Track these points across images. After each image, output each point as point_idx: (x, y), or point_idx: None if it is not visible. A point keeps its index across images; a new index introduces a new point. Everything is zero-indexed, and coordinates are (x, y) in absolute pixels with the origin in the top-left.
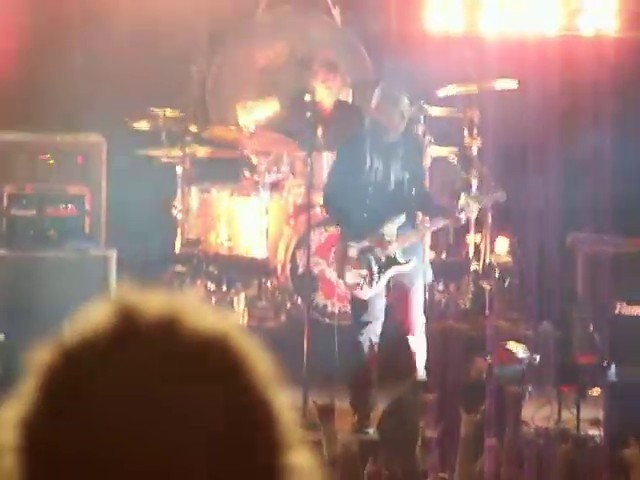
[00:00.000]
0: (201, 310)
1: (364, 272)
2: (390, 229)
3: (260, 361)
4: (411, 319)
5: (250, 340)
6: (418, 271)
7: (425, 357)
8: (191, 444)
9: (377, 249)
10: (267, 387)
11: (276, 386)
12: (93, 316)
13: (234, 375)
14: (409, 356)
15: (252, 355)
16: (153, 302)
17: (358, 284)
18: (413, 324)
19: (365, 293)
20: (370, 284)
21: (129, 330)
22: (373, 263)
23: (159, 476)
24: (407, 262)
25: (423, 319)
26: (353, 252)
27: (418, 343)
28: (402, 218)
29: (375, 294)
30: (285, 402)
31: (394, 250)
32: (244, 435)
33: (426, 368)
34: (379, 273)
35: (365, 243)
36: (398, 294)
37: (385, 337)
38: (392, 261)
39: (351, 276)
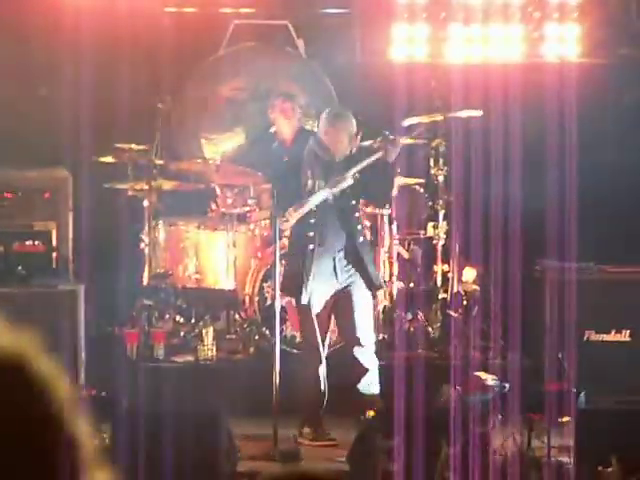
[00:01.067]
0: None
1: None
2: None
3: (57, 384)
4: (358, 330)
5: (48, 364)
6: (359, 285)
7: (376, 373)
8: None
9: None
10: (63, 410)
11: (73, 409)
12: None
13: (29, 398)
14: (355, 367)
15: (48, 378)
16: None
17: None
18: (360, 335)
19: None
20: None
21: None
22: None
23: None
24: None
25: (372, 335)
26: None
27: (367, 355)
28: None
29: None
30: (82, 426)
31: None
32: (40, 460)
33: (385, 396)
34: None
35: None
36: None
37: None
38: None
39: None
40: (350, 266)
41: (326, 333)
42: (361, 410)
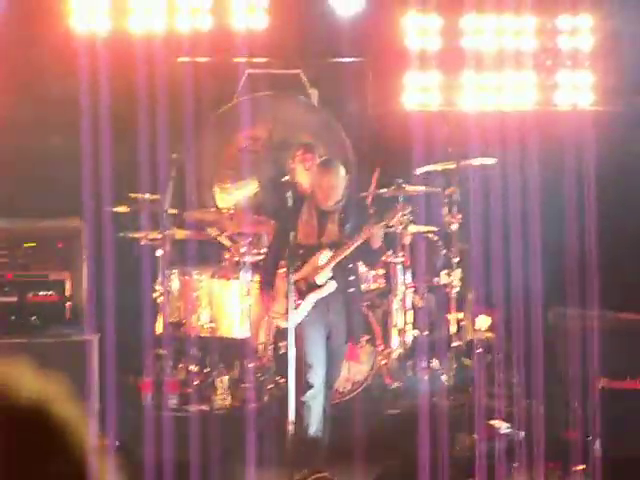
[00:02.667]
0: (23, 379)
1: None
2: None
3: (79, 429)
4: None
5: (71, 409)
6: (338, 295)
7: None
8: None
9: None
10: (86, 455)
11: (95, 454)
12: None
13: (51, 444)
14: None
15: (71, 424)
16: None
17: (280, 314)
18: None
19: (283, 322)
20: (290, 314)
21: None
22: (295, 293)
23: None
24: (322, 285)
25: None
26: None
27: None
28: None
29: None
30: (106, 469)
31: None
32: None
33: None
34: (299, 300)
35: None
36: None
37: None
38: (314, 285)
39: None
40: (338, 313)
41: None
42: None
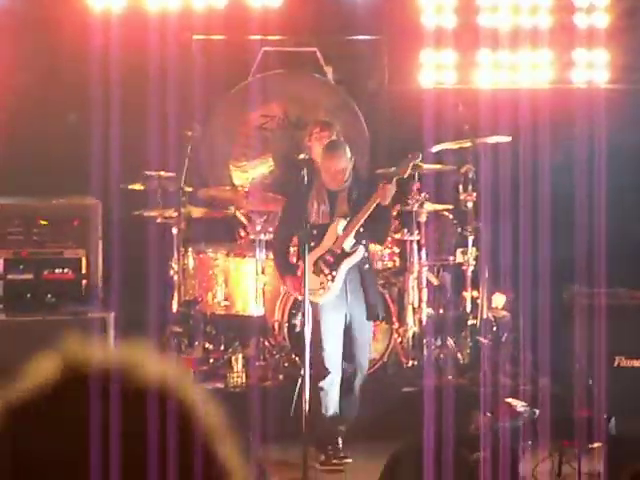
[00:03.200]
0: (148, 363)
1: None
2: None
3: (206, 413)
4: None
5: (197, 392)
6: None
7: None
8: None
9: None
10: (213, 439)
11: (223, 437)
12: (40, 372)
13: (180, 427)
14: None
15: (198, 407)
16: (100, 356)
17: (316, 290)
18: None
19: (324, 296)
20: (326, 287)
21: (74, 384)
22: (323, 266)
23: None
24: (353, 251)
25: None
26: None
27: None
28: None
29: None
30: (232, 453)
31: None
32: None
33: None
34: (332, 272)
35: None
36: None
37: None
38: (343, 254)
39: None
40: (356, 291)
41: (335, 353)
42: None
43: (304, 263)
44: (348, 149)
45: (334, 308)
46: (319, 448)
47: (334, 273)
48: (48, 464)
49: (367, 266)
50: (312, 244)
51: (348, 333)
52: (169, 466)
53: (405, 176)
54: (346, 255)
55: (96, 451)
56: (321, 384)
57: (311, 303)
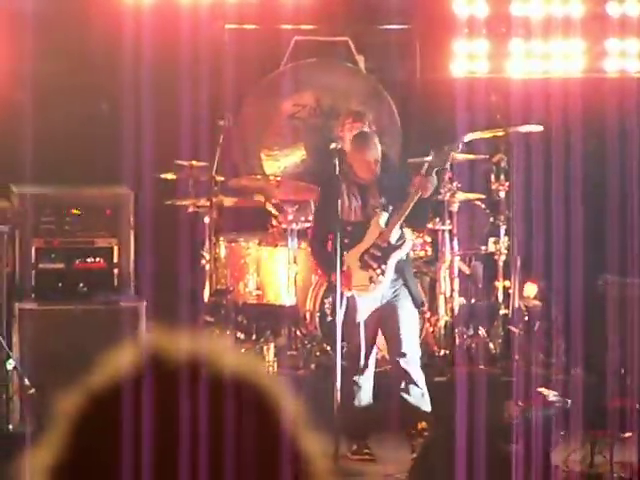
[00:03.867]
0: (227, 354)
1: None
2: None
3: (287, 404)
4: (404, 345)
5: (277, 384)
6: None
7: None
8: None
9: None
10: (295, 430)
11: (303, 429)
12: (121, 361)
13: (261, 418)
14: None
15: (279, 398)
16: (180, 346)
17: (366, 285)
18: (406, 350)
19: (374, 291)
20: (377, 281)
21: (156, 373)
22: (371, 261)
23: None
24: (401, 244)
25: (418, 350)
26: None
27: (414, 369)
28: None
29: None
30: (313, 444)
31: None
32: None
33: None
34: (381, 266)
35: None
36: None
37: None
38: (390, 248)
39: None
40: (396, 281)
41: (372, 346)
42: (412, 423)
43: (339, 259)
44: (377, 140)
45: (374, 301)
46: (351, 438)
47: (383, 267)
48: (134, 450)
49: (408, 256)
50: (346, 241)
51: (395, 324)
52: (256, 455)
53: (446, 167)
54: (394, 248)
55: (182, 438)
56: (356, 378)
57: (351, 297)
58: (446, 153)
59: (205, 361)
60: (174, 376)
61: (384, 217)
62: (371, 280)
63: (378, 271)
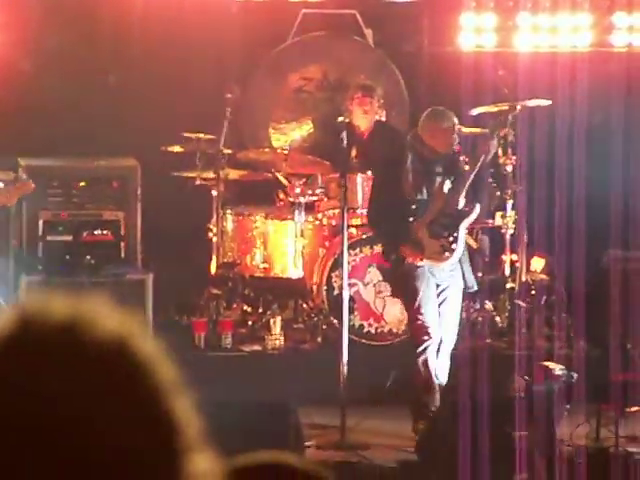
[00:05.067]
0: (105, 316)
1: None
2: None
3: (161, 367)
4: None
5: (153, 346)
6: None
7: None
8: (89, 453)
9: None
10: (168, 393)
11: (178, 392)
12: None
13: (134, 383)
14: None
15: (153, 361)
16: (56, 308)
17: (440, 254)
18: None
19: (449, 259)
20: (450, 249)
21: (29, 336)
22: (440, 229)
23: None
24: (470, 210)
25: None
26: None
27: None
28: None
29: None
30: (187, 407)
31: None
32: (144, 443)
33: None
34: (452, 233)
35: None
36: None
37: None
38: (459, 214)
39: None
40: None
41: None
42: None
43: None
44: (455, 119)
45: (433, 273)
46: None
47: (455, 234)
48: (7, 411)
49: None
50: (411, 219)
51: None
52: (124, 420)
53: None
54: (463, 214)
55: (48, 406)
56: (420, 351)
57: (408, 269)
58: (504, 117)
59: (77, 325)
60: (47, 339)
61: (447, 184)
62: (443, 249)
63: (450, 239)
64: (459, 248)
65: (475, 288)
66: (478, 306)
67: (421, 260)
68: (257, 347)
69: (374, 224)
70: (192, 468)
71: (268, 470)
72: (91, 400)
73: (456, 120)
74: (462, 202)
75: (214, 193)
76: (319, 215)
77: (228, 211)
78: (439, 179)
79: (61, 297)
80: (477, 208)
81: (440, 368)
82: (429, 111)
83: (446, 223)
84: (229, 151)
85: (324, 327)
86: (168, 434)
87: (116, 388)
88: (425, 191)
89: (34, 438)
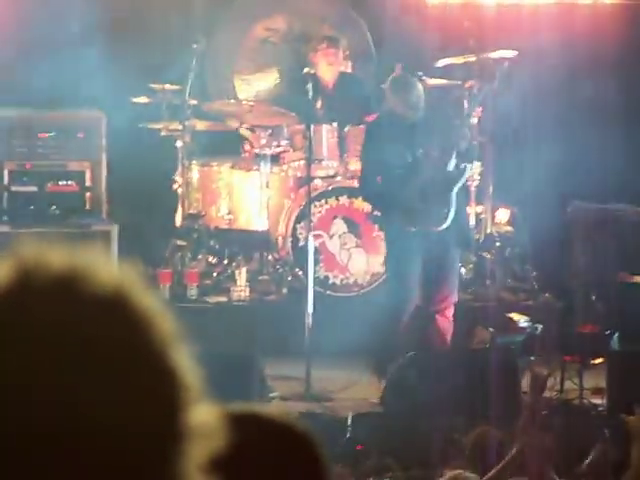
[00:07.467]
0: (101, 268)
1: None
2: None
3: (159, 319)
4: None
5: (150, 298)
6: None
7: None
8: (88, 407)
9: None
10: (167, 345)
11: (176, 344)
12: None
13: (132, 335)
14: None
15: (151, 314)
16: (53, 260)
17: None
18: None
19: (444, 225)
20: (442, 214)
21: (25, 289)
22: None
23: (54, 439)
24: (464, 168)
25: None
26: None
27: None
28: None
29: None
30: (185, 359)
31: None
32: (143, 396)
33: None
34: (446, 198)
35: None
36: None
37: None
38: (449, 179)
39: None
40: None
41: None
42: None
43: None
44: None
45: (429, 238)
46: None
47: (447, 198)
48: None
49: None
50: (397, 185)
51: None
52: (123, 372)
53: None
54: (454, 177)
55: (47, 359)
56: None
57: (407, 233)
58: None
59: (77, 275)
60: (43, 292)
61: (434, 149)
62: (438, 214)
63: (444, 203)
64: (452, 212)
65: (471, 245)
66: None
67: (417, 228)
68: (222, 298)
69: (364, 193)
70: (194, 420)
71: (248, 421)
72: (93, 352)
73: (420, 87)
74: (453, 163)
75: (179, 144)
76: (284, 166)
77: (193, 162)
78: (424, 143)
79: (58, 248)
80: (467, 168)
81: None
82: (392, 82)
83: (438, 189)
84: (195, 102)
85: (289, 278)
86: (174, 386)
87: (119, 340)
88: (409, 155)
89: (36, 391)
